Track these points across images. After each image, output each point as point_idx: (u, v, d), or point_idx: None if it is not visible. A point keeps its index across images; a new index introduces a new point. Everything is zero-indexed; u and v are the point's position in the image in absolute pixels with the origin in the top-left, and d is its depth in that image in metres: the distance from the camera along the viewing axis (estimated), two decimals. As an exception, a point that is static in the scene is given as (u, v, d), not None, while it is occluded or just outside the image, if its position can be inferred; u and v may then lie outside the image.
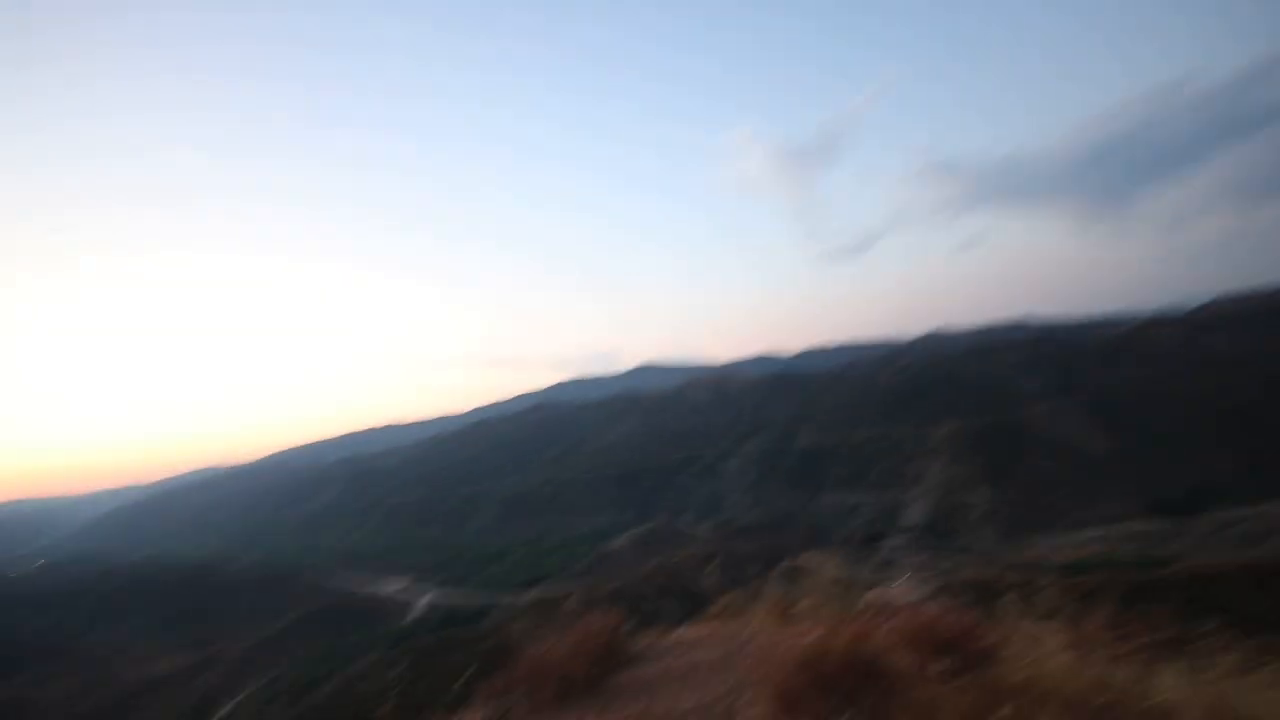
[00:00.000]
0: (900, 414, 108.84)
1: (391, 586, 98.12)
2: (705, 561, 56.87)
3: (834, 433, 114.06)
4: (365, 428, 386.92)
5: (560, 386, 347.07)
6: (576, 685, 4.17)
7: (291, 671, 63.23)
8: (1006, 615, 4.47)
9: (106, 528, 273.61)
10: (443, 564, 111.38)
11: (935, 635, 3.72)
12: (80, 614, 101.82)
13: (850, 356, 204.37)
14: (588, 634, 4.86)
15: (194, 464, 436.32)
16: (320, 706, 39.83)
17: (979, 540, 73.75)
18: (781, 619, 5.52)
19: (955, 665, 3.32)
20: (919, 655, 3.48)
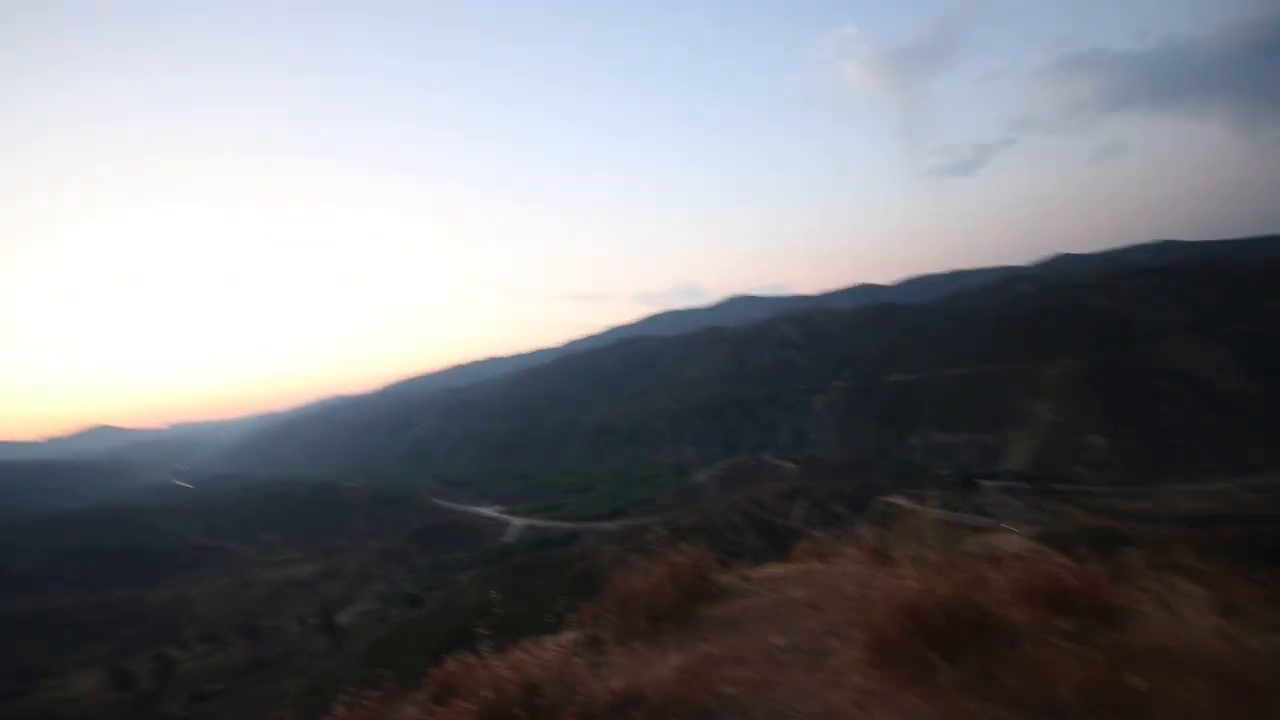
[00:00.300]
0: (1008, 348, 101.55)
1: (488, 510, 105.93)
2: (791, 498, 56.96)
3: (930, 368, 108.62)
4: (467, 360, 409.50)
5: (649, 320, 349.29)
6: (665, 617, 4.21)
7: (403, 582, 70.58)
8: (1131, 571, 3.99)
9: (249, 449, 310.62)
10: (535, 491, 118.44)
11: (1054, 590, 3.40)
12: (229, 524, 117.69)
13: (959, 284, 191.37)
14: (675, 566, 4.86)
15: (319, 393, 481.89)
16: (428, 616, 44.35)
17: (1092, 487, 69.08)
18: (876, 562, 5.30)
19: (1077, 625, 3.02)
20: (1035, 611, 3.19)
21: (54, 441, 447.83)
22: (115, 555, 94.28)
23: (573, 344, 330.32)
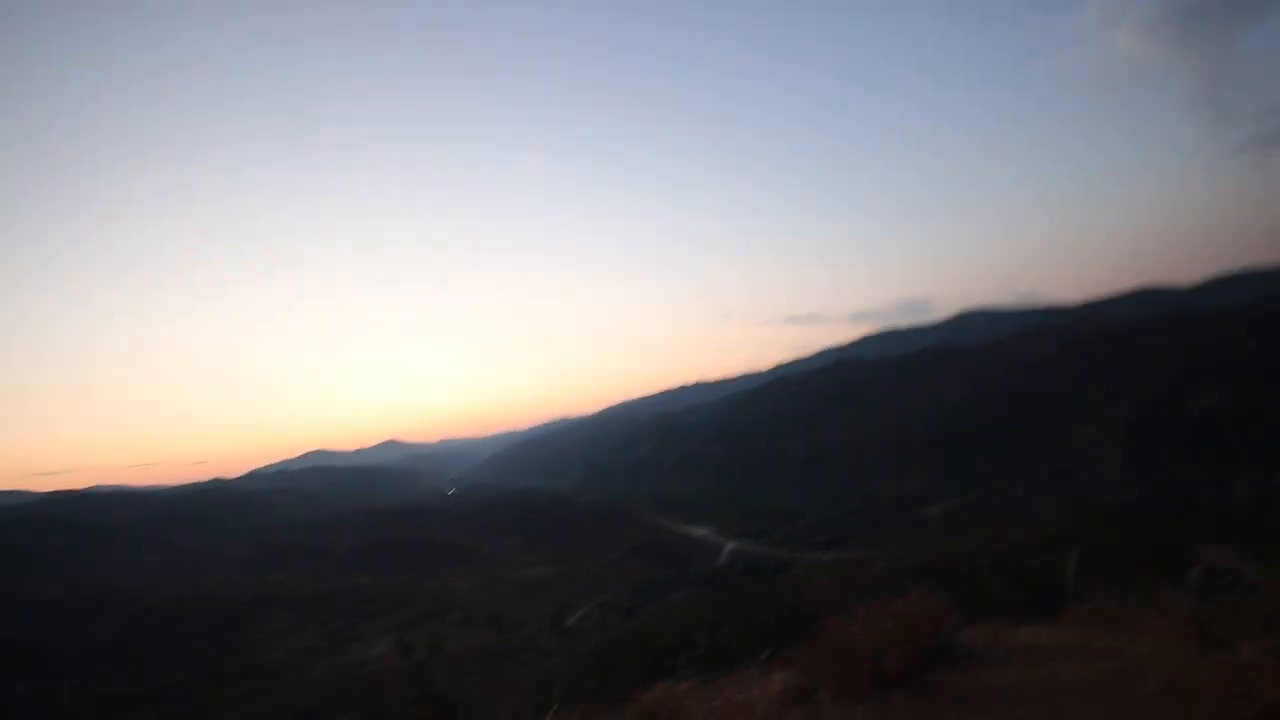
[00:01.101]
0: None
1: (699, 531, 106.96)
2: (1056, 543, 47.84)
3: (1258, 391, 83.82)
4: (677, 385, 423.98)
5: (866, 340, 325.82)
6: (892, 678, 3.54)
7: (622, 594, 74.21)
8: None
9: (497, 463, 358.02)
10: (745, 515, 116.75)
11: None
12: (483, 527, 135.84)
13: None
14: (904, 616, 4.12)
15: (549, 415, 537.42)
16: (642, 629, 45.83)
17: None
18: (1197, 641, 3.96)
19: None
20: None
21: (359, 452, 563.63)
22: (404, 546, 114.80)
23: (783, 367, 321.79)
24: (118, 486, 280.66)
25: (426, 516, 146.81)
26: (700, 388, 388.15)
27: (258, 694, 57.60)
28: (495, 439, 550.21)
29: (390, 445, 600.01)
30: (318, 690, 55.91)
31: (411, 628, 72.38)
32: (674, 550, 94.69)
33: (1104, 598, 5.12)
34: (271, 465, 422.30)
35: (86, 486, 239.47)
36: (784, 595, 38.64)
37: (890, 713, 3.18)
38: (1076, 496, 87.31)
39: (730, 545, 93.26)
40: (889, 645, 3.59)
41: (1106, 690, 3.31)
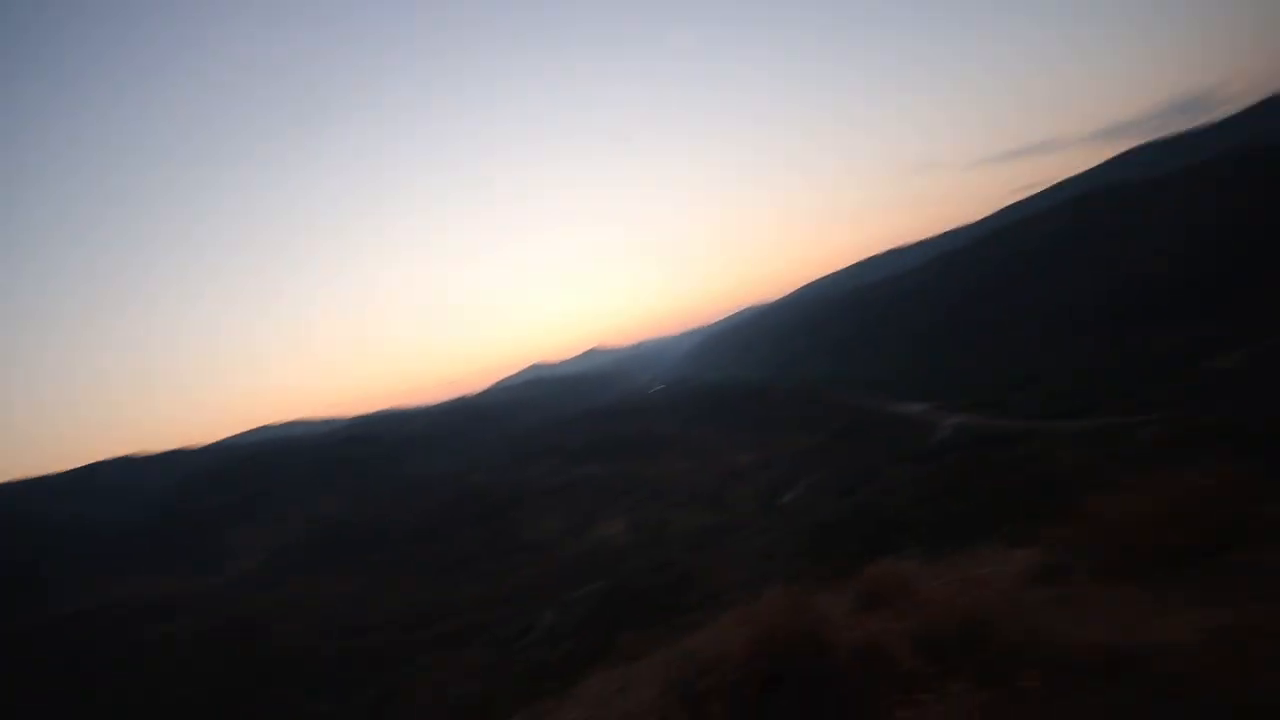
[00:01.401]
0: None
1: (913, 408, 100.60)
2: None
3: None
4: (871, 254, 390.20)
5: (1120, 160, 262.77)
6: (1167, 557, 3.04)
7: (833, 475, 74.31)
8: None
9: (693, 358, 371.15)
10: (967, 387, 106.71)
11: None
12: (685, 419, 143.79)
13: None
14: (1193, 487, 3.47)
15: (740, 304, 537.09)
16: (859, 508, 45.80)
17: None
18: None
19: None
20: None
21: (568, 361, 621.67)
22: (622, 440, 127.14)
23: (1004, 212, 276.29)
24: (398, 409, 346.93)
25: (636, 413, 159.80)
26: (897, 253, 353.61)
27: (529, 564, 70.47)
28: (688, 335, 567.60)
29: (594, 352, 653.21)
30: (573, 561, 66.55)
31: (639, 509, 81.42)
32: (885, 430, 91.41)
33: None
34: (501, 381, 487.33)
35: (376, 410, 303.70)
36: (1023, 469, 35.48)
37: (1165, 590, 2.74)
38: None
39: (952, 419, 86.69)
40: (1172, 520, 3.06)
41: None
